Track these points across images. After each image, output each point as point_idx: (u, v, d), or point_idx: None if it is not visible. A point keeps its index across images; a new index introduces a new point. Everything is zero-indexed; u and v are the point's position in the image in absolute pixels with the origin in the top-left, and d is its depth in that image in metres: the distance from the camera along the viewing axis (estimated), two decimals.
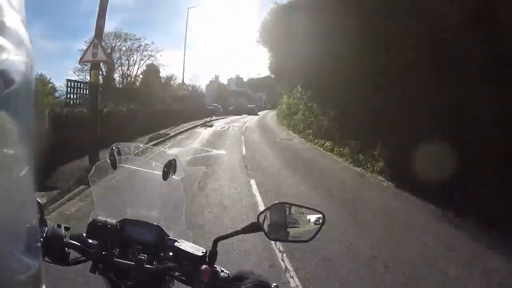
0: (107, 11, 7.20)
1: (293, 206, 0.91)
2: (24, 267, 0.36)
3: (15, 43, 0.35)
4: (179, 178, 0.95)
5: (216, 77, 55.01)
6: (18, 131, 0.35)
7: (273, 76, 31.41)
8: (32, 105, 0.37)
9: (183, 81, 19.24)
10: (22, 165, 0.36)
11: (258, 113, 42.13)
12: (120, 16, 55.19)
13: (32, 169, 0.37)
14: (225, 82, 61.20)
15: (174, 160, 0.92)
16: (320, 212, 0.90)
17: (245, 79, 75.14)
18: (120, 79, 26.75)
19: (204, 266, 0.80)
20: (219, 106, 35.88)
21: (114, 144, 0.96)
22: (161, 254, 0.85)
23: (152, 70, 25.89)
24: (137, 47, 28.43)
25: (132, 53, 28.38)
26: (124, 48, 27.52)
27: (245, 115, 38.77)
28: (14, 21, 0.35)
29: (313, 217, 0.91)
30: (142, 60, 28.63)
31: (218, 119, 27.20)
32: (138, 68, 29.45)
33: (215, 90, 47.96)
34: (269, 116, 39.65)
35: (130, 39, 27.32)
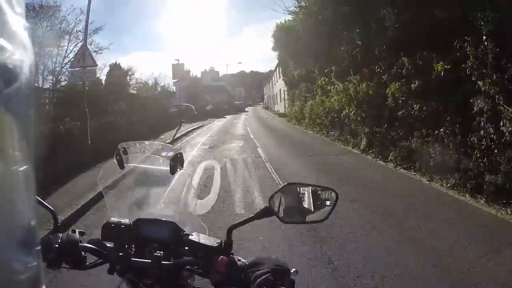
0: None
1: (304, 186, 0.88)
2: (23, 268, 0.36)
3: (15, 43, 0.35)
4: (187, 172, 0.99)
5: (187, 72, 43.03)
6: (18, 129, 0.35)
7: (276, 54, 20.12)
8: (32, 104, 0.37)
9: (84, 43, 7.18)
10: (21, 163, 0.36)
11: (246, 109, 40.82)
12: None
13: (32, 168, 0.37)
14: (199, 76, 48.98)
15: (181, 153, 0.94)
16: (333, 190, 0.88)
17: (219, 75, 63.88)
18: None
19: (220, 257, 0.77)
20: (193, 107, 24.02)
21: (119, 144, 0.96)
22: (178, 249, 0.84)
23: (118, 73, 14.78)
24: (61, 22, 16.17)
25: (56, 32, 16.21)
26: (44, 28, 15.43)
27: (229, 116, 27.53)
28: (15, 21, 0.36)
29: (326, 195, 0.88)
30: (71, 42, 16.39)
31: (192, 129, 15.38)
32: (64, 57, 17.11)
33: (186, 85, 35.96)
34: (262, 114, 28.64)
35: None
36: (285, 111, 25.84)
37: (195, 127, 16.46)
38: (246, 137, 12.17)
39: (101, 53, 15.21)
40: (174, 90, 35.05)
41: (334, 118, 10.74)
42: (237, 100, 49.75)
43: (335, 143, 10.10)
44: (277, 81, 33.56)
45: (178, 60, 19.73)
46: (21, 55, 0.35)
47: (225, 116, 28.00)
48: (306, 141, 10.75)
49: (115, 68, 23.45)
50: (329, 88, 11.28)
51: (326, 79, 11.70)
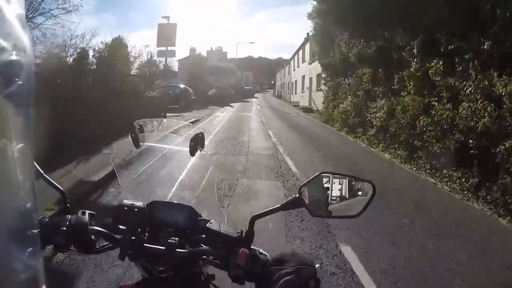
0: None
1: (336, 177, 0.77)
2: (24, 267, 0.35)
3: (15, 43, 0.35)
4: (208, 153, 0.89)
5: (193, 49, 37.04)
6: (18, 127, 0.35)
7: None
8: (32, 101, 0.37)
9: None
10: (17, 141, 0.35)
11: (255, 95, 39.02)
12: None
13: (29, 146, 0.36)
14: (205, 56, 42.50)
15: (202, 133, 0.87)
16: (369, 182, 0.76)
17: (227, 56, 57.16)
18: None
19: (240, 249, 0.68)
20: (190, 90, 18.15)
21: (135, 121, 0.90)
22: (194, 236, 0.77)
23: (119, 46, 10.92)
24: None
25: None
26: None
27: (236, 105, 21.93)
28: (15, 21, 0.35)
29: (359, 186, 0.77)
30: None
31: (179, 129, 9.68)
32: (32, 17, 10.93)
33: (190, 65, 30.04)
34: (278, 106, 22.84)
35: None
36: (310, 104, 19.89)
37: (185, 123, 10.68)
38: (279, 168, 6.09)
39: (73, 11, 9.73)
40: (163, 66, 29.07)
41: (469, 148, 4.94)
42: (245, 85, 44.31)
43: (477, 205, 4.37)
44: (298, 66, 27.35)
45: (168, 19, 13.59)
46: (20, 55, 0.35)
47: (231, 104, 22.17)
48: (415, 194, 4.91)
49: (117, 42, 18.12)
50: (450, 82, 5.42)
51: (441, 65, 5.83)
